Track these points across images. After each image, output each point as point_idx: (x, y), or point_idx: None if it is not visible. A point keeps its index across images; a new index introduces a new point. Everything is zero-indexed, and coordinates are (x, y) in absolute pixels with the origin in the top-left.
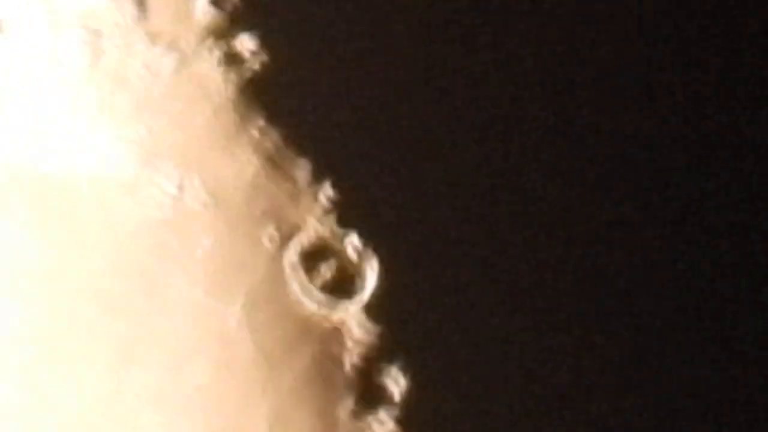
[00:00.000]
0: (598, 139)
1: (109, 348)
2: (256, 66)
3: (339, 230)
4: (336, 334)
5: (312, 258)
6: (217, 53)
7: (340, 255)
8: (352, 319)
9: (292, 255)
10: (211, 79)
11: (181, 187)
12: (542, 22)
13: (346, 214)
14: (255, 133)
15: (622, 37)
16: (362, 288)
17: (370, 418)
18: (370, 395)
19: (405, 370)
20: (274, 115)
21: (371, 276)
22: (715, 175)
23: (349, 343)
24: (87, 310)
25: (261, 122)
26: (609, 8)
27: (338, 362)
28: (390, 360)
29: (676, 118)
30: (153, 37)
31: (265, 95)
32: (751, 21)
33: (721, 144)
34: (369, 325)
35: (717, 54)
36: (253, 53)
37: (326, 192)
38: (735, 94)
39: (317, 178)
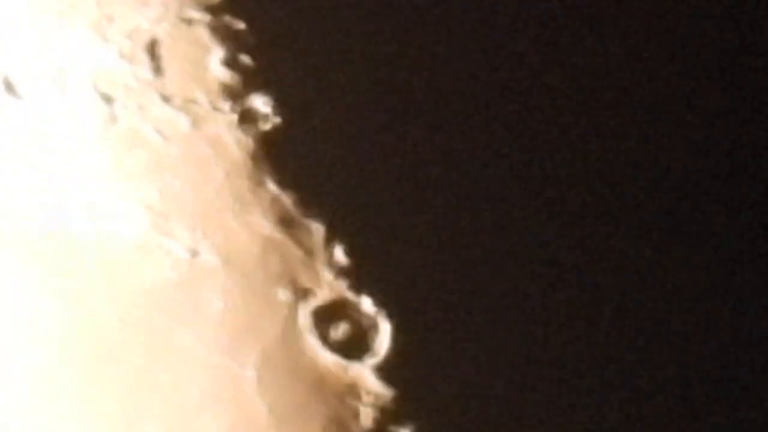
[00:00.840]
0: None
1: (117, 403)
2: (270, 127)
3: (352, 292)
4: (349, 393)
5: (325, 319)
6: (230, 114)
7: (352, 316)
8: (366, 379)
9: (305, 316)
10: (224, 141)
11: (193, 248)
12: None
13: (358, 277)
14: (269, 194)
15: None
16: (375, 349)
17: None
18: None
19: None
20: (287, 178)
21: (383, 337)
22: (715, 175)
23: (363, 403)
24: (96, 365)
25: (274, 184)
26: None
27: (352, 422)
28: (403, 421)
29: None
30: (167, 98)
31: (278, 157)
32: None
33: (721, 143)
34: (381, 385)
35: (717, 54)
36: (267, 115)
37: (339, 255)
38: (735, 93)
39: (330, 240)
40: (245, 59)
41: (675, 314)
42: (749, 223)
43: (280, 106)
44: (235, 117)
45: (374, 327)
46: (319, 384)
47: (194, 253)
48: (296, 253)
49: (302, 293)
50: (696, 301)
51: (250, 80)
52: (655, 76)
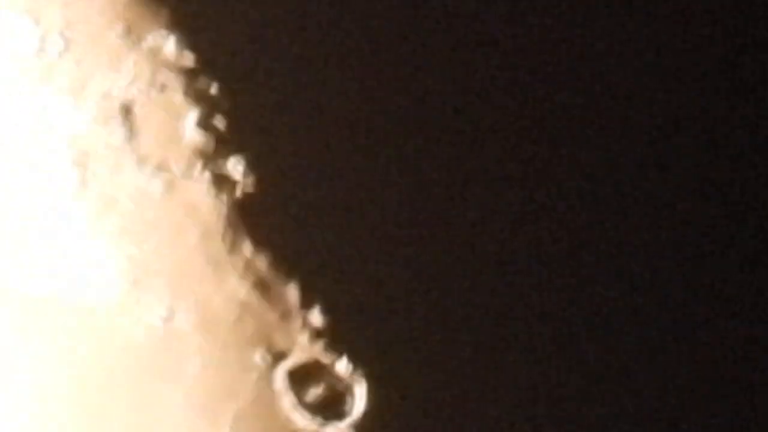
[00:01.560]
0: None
1: None
2: (244, 189)
3: (328, 353)
4: None
5: (300, 380)
6: (205, 176)
7: (328, 378)
8: None
9: (281, 377)
10: (199, 202)
11: (170, 310)
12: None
13: (334, 338)
14: (244, 256)
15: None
16: (351, 409)
17: None
18: None
19: None
20: (263, 239)
21: (360, 398)
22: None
23: None
24: (74, 426)
25: (250, 246)
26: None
27: None
28: None
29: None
30: (142, 160)
31: (253, 219)
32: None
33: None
34: None
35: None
36: (241, 177)
37: (315, 316)
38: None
39: (306, 301)
40: (219, 122)
41: (674, 318)
42: (749, 223)
43: (254, 167)
44: (208, 180)
45: (350, 388)
46: None
47: (169, 317)
48: (271, 315)
49: (277, 355)
50: (696, 301)
51: (224, 143)
52: (655, 76)
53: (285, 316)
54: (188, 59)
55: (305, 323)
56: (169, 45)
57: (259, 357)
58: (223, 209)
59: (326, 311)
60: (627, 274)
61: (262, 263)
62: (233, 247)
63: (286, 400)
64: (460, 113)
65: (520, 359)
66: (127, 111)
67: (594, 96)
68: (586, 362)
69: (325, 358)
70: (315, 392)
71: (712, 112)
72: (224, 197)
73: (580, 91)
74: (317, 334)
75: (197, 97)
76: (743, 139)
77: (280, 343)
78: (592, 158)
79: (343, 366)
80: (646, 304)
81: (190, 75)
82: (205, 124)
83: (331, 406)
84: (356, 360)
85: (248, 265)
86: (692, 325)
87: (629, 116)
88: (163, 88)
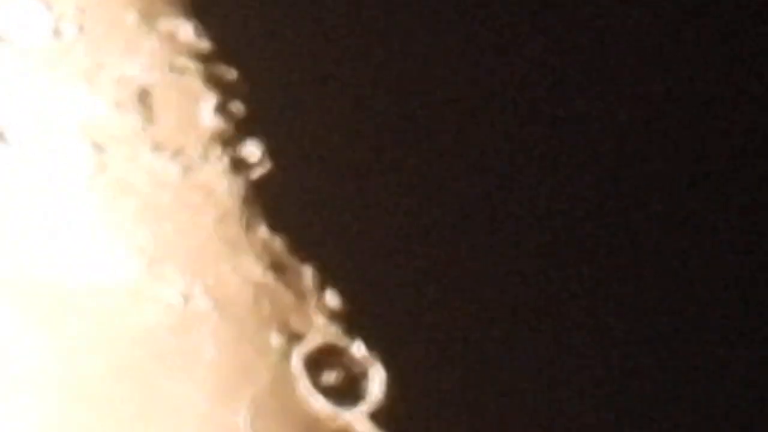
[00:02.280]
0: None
1: None
2: (261, 173)
3: (344, 337)
4: None
5: (317, 364)
6: (222, 161)
7: (345, 361)
8: (358, 425)
9: (297, 361)
10: (216, 187)
11: (185, 294)
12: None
13: (350, 321)
14: (260, 238)
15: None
16: (367, 394)
17: None
18: None
19: None
20: (279, 222)
21: (376, 383)
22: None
23: None
24: (89, 413)
25: (266, 228)
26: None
27: None
28: None
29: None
30: (158, 145)
31: (269, 202)
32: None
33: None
34: (374, 430)
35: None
36: (258, 161)
37: (331, 298)
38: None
39: (322, 284)
40: (236, 106)
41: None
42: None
43: (271, 151)
44: (226, 163)
45: (366, 372)
46: (312, 427)
47: (186, 299)
48: (288, 297)
49: (294, 338)
50: (695, 301)
51: (242, 127)
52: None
53: (301, 298)
54: (205, 44)
55: (321, 305)
56: (186, 29)
57: (275, 339)
58: (240, 192)
59: (342, 294)
60: (643, 271)
61: (278, 245)
62: (249, 230)
63: (303, 384)
64: (477, 100)
65: (537, 344)
66: (144, 96)
67: (602, 95)
68: (601, 347)
69: (341, 341)
70: (331, 376)
71: (712, 112)
72: (241, 180)
73: (590, 89)
74: (333, 316)
75: (214, 82)
76: (744, 138)
77: (297, 325)
78: (604, 154)
79: (358, 349)
80: (663, 301)
81: (207, 60)
82: (222, 109)
83: (347, 390)
84: (372, 343)
85: (264, 247)
86: (700, 324)
87: (632, 115)
88: (180, 73)
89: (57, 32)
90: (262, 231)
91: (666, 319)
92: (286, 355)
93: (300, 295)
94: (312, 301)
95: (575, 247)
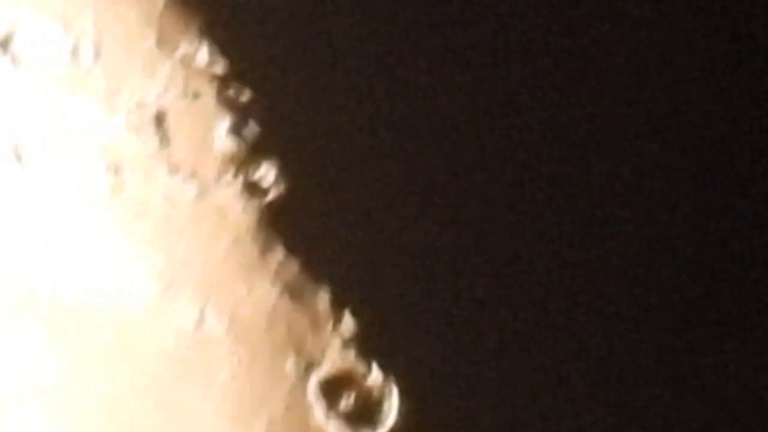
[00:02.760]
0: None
1: None
2: (276, 195)
3: (360, 361)
4: None
5: (332, 388)
6: (237, 182)
7: (361, 386)
8: None
9: (312, 386)
10: (231, 209)
11: (201, 316)
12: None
13: (366, 345)
14: (275, 262)
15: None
16: (384, 419)
17: None
18: None
19: None
20: (294, 245)
21: (392, 406)
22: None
23: None
24: (105, 429)
25: (280, 252)
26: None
27: None
28: None
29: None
30: (174, 167)
31: (284, 225)
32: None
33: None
34: None
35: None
36: (273, 183)
37: (346, 323)
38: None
39: (337, 308)
40: (251, 129)
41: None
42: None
43: (286, 173)
44: (240, 186)
45: (383, 397)
46: None
47: (200, 323)
48: (303, 321)
49: (309, 363)
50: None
51: (256, 149)
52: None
53: (316, 323)
54: (220, 67)
55: (337, 329)
56: (202, 53)
57: (290, 364)
58: (255, 215)
59: (358, 318)
60: (650, 272)
61: (293, 269)
62: (264, 253)
63: (319, 410)
64: (496, 121)
65: (556, 368)
66: (160, 119)
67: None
68: (618, 371)
69: (358, 366)
70: (347, 401)
71: (713, 112)
72: (256, 203)
73: (598, 91)
74: (349, 341)
75: (229, 104)
76: (743, 139)
77: (312, 349)
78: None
79: (375, 374)
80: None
81: (222, 82)
82: (237, 131)
83: (363, 416)
84: (388, 368)
85: (279, 271)
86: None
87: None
88: (196, 95)
89: (75, 56)
90: (278, 254)
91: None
92: (301, 380)
93: (316, 319)
94: (328, 325)
95: (597, 264)
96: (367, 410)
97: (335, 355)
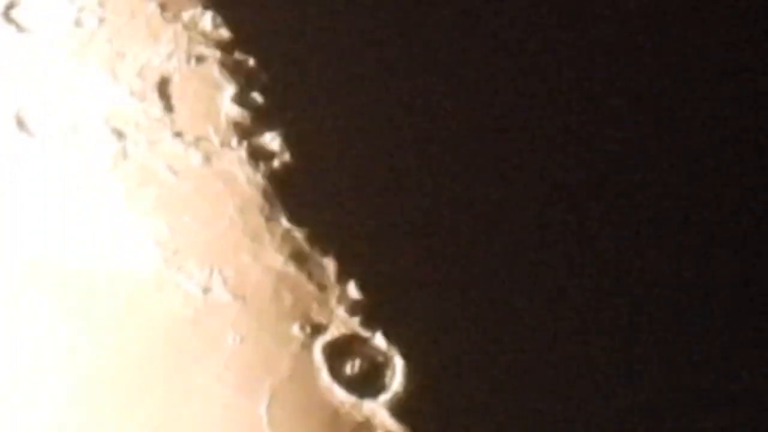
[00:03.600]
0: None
1: None
2: (281, 163)
3: (364, 328)
4: (362, 430)
5: (338, 355)
6: (242, 149)
7: (365, 352)
8: (379, 416)
9: (318, 352)
10: (236, 177)
11: (206, 284)
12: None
13: (371, 312)
14: (280, 230)
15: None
16: (387, 385)
17: None
18: None
19: None
20: (299, 213)
21: (396, 373)
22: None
23: None
24: (118, 403)
25: (286, 220)
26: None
27: None
28: None
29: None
30: (177, 135)
31: (289, 193)
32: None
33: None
34: (395, 422)
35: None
36: (278, 151)
37: (351, 290)
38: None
39: (342, 275)
40: (256, 96)
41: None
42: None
43: (290, 142)
44: (246, 152)
45: (387, 363)
46: (332, 421)
47: (206, 289)
48: (309, 288)
49: (315, 329)
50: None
51: (261, 117)
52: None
53: (322, 289)
54: (225, 34)
55: (342, 297)
56: (206, 20)
57: (296, 330)
58: (260, 182)
59: (363, 285)
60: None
61: (299, 236)
62: (270, 220)
63: (324, 374)
64: (498, 93)
65: (557, 335)
66: (164, 84)
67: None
68: (626, 335)
69: (362, 333)
70: (352, 367)
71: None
72: (261, 170)
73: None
74: (354, 308)
75: (234, 71)
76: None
77: (318, 316)
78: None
79: (379, 340)
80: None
81: (226, 49)
82: (241, 98)
83: (368, 381)
84: (392, 335)
85: (285, 238)
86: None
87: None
88: (199, 61)
89: (78, 23)
90: (283, 221)
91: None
92: (307, 346)
93: (321, 286)
94: (333, 293)
95: (593, 241)
96: (371, 376)
97: (340, 322)
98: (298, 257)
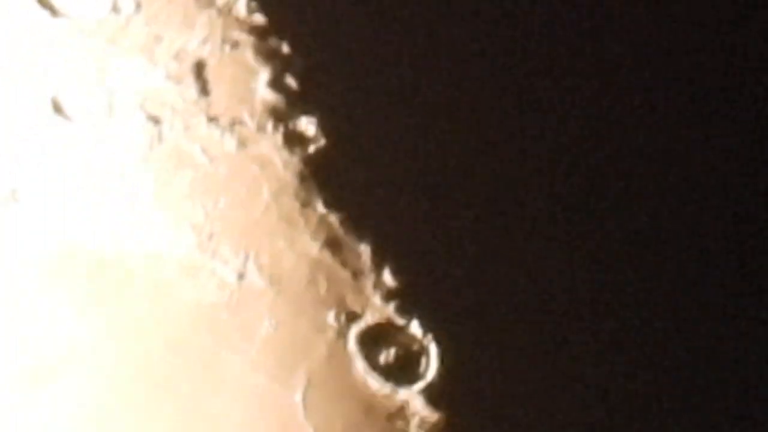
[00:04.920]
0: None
1: (162, 428)
2: (316, 148)
3: (400, 315)
4: (397, 417)
5: (373, 342)
6: (277, 134)
7: (400, 339)
8: (414, 403)
9: (353, 339)
10: (271, 161)
11: (240, 270)
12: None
13: (406, 299)
14: (316, 216)
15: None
16: (423, 372)
17: None
18: None
19: None
20: (335, 199)
21: (432, 361)
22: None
23: (411, 427)
24: (145, 391)
25: (321, 205)
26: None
27: None
28: None
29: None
30: (213, 119)
31: (325, 178)
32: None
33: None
34: (430, 409)
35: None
36: (313, 135)
37: (387, 277)
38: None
39: (378, 262)
40: (291, 81)
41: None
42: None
43: (326, 126)
44: (281, 137)
45: (422, 350)
46: (367, 408)
47: (241, 275)
48: (344, 274)
49: (350, 316)
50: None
51: (296, 101)
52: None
53: (358, 276)
54: (260, 19)
55: (377, 284)
56: (240, 5)
57: (331, 317)
58: (296, 166)
59: (398, 272)
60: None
61: (334, 221)
62: (306, 205)
63: (359, 362)
64: (535, 88)
65: (591, 328)
66: (199, 68)
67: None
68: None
69: (398, 320)
70: (387, 355)
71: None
72: (297, 154)
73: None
74: (389, 295)
75: (269, 55)
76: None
77: (353, 303)
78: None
79: (415, 328)
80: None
81: (261, 34)
82: (276, 82)
83: (403, 369)
84: (428, 322)
85: (321, 224)
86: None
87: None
88: (234, 47)
89: (115, 7)
90: (319, 207)
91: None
92: (342, 333)
93: (357, 273)
94: (369, 280)
95: (624, 235)
96: (406, 364)
97: (376, 309)
98: (334, 243)
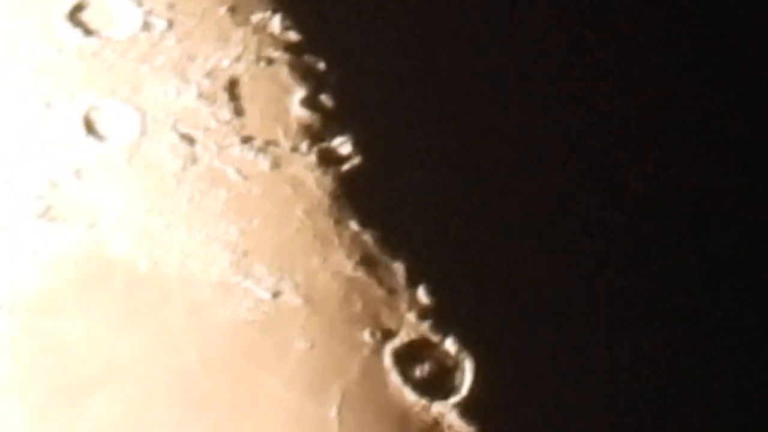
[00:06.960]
0: None
1: None
2: (350, 166)
3: (434, 332)
4: (434, 429)
5: (408, 359)
6: (312, 153)
7: (435, 356)
8: (449, 418)
9: (388, 356)
10: (305, 180)
11: (275, 288)
12: None
13: (441, 317)
14: (349, 234)
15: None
16: (458, 388)
17: None
18: None
19: None
20: (369, 217)
21: (466, 377)
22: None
23: None
24: (181, 409)
25: (356, 223)
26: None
27: None
28: None
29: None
30: (247, 139)
31: (359, 196)
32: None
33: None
34: (465, 424)
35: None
36: (347, 154)
37: (421, 294)
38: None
39: (412, 279)
40: (325, 99)
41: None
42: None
43: (360, 145)
44: (315, 157)
45: (457, 367)
46: (403, 423)
47: (276, 294)
48: (378, 292)
49: (385, 334)
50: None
51: (331, 120)
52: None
53: (392, 293)
54: (294, 36)
55: (412, 301)
56: (275, 22)
57: (366, 335)
58: (330, 185)
59: (433, 290)
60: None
61: (368, 240)
62: (340, 224)
63: (394, 379)
64: (576, 106)
65: (626, 340)
66: (233, 87)
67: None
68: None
69: (432, 337)
70: (422, 369)
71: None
72: (331, 173)
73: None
74: (424, 312)
75: (303, 73)
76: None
77: (387, 321)
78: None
79: (450, 345)
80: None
81: (295, 51)
82: (311, 100)
83: (437, 383)
84: (462, 338)
85: (355, 242)
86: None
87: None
88: (269, 64)
89: (147, 26)
90: (353, 225)
91: None
92: (377, 351)
93: (391, 290)
94: (403, 297)
95: (665, 248)
96: (441, 379)
97: (411, 326)
98: (368, 261)
